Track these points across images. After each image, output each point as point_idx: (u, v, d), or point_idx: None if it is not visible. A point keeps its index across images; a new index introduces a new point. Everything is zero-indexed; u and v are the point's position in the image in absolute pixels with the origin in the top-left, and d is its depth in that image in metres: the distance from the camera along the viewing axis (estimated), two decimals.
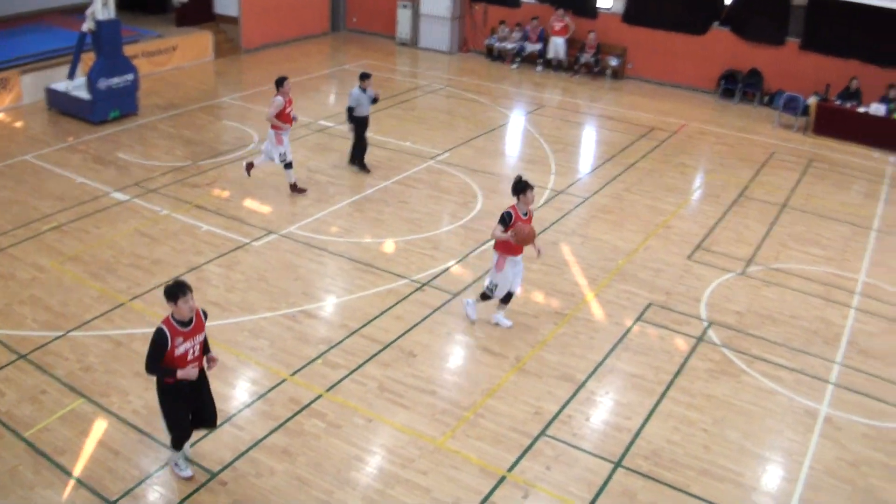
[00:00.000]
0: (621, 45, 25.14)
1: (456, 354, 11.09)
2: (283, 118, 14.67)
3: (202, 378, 8.23)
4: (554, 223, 14.70)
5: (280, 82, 14.61)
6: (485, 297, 11.33)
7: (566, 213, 15.18)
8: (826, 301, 12.96)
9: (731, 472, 9.18)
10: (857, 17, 21.83)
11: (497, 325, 11.50)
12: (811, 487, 9.09)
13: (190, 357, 7.90)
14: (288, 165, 15.04)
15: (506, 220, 10.57)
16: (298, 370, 10.39)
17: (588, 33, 24.94)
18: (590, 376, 10.55)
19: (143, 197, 14.92)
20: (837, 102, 21.39)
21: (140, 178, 15.68)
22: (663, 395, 10.30)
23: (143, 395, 9.62)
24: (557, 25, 25.09)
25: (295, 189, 15.32)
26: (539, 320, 11.72)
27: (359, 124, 15.98)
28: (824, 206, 16.61)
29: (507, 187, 15.69)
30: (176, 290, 7.72)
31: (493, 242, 11.10)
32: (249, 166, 15.34)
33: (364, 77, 15.82)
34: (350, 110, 15.72)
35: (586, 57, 24.95)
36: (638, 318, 11.94)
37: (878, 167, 19.64)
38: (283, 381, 10.19)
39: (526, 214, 10.75)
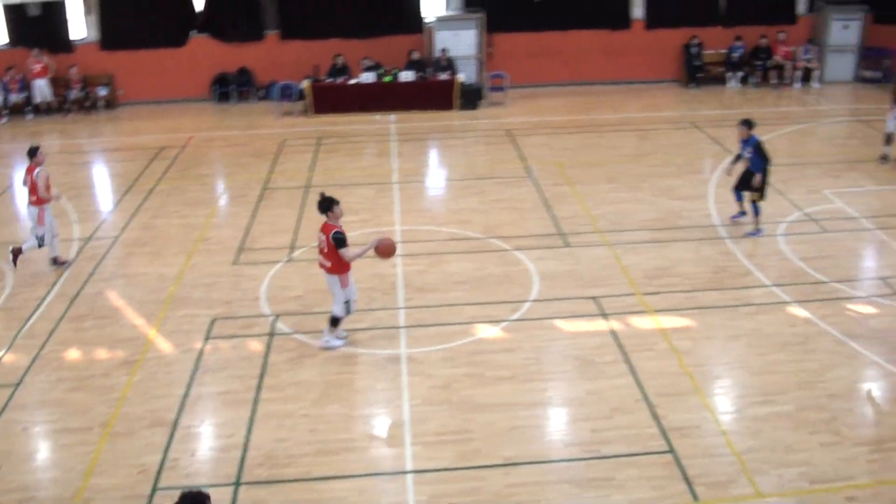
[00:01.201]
0: (107, 73, 24.26)
1: (39, 448, 9.86)
2: (48, 192, 13.62)
3: None
4: (92, 273, 13.79)
5: (33, 152, 13.53)
6: (337, 320, 11.04)
7: (102, 259, 14.26)
8: (373, 258, 13.68)
9: (343, 441, 9.40)
10: (336, 3, 23.39)
11: (330, 348, 11.21)
12: (417, 422, 9.66)
13: None
14: (41, 245, 13.74)
15: (344, 238, 10.56)
16: None
17: (69, 68, 23.69)
18: (180, 412, 10.06)
19: None
20: (329, 80, 22.60)
21: None
22: (256, 400, 10.20)
23: None
24: (36, 67, 23.42)
25: (58, 262, 13.96)
26: (111, 377, 10.88)
27: None
28: (345, 176, 17.53)
29: (33, 253, 14.57)
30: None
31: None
32: (16, 253, 13.64)
33: None
34: None
35: (74, 93, 23.77)
36: (207, 338, 11.66)
37: (381, 128, 21.18)
38: None
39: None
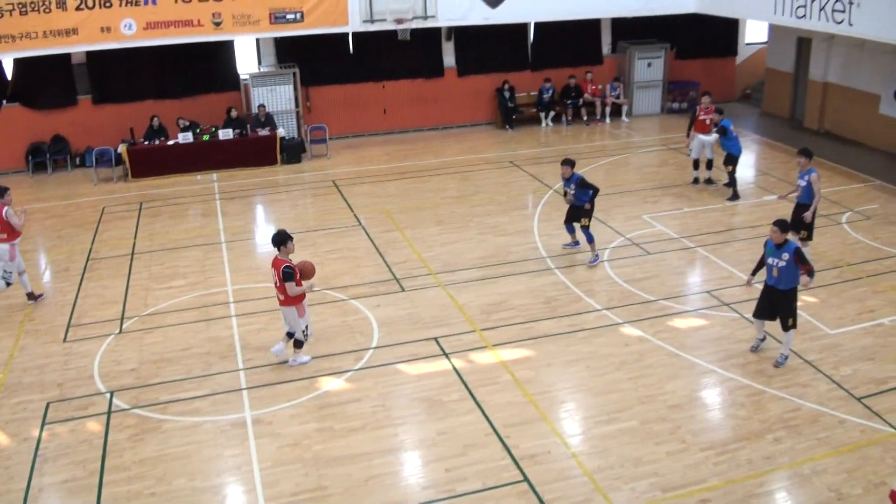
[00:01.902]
0: None
1: None
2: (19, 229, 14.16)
3: None
4: None
5: (2, 192, 13.90)
6: (300, 343, 11.85)
7: None
8: (207, 322, 13.40)
9: None
10: (148, 64, 22.89)
11: (302, 363, 11.96)
12: (269, 485, 9.44)
13: None
14: (9, 284, 14.37)
15: (291, 274, 11.18)
16: None
17: None
18: None
19: None
20: (146, 143, 21.99)
21: None
22: (101, 484, 9.68)
23: None
24: None
25: (34, 297, 14.60)
26: None
27: None
28: (170, 240, 17.06)
29: None
30: None
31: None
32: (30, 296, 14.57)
33: None
34: None
35: None
36: (43, 424, 10.96)
37: (205, 188, 20.78)
38: None
39: None
